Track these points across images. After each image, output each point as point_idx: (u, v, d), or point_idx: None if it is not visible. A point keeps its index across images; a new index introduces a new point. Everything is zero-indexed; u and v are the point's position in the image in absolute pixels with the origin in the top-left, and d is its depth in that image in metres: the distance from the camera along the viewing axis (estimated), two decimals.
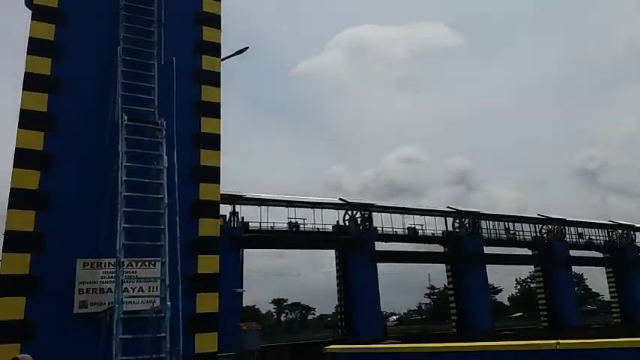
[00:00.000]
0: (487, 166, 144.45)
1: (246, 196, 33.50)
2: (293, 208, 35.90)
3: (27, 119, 6.59)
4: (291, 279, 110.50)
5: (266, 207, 34.83)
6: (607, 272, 48.75)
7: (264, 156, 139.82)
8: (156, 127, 6.50)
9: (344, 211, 37.64)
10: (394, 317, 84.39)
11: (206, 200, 7.30)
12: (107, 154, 6.71)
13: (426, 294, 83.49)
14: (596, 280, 74.22)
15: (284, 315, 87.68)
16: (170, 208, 5.98)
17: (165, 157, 6.28)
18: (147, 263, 6.42)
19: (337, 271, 37.12)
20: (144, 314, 5.86)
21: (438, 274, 55.92)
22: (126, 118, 6.41)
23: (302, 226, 35.75)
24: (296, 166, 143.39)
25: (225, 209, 31.85)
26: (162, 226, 5.92)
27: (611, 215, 74.31)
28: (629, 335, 12.48)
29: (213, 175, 7.48)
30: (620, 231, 48.74)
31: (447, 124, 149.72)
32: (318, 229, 36.29)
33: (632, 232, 49.16)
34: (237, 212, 32.87)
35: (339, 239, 36.44)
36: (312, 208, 36.58)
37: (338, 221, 37.41)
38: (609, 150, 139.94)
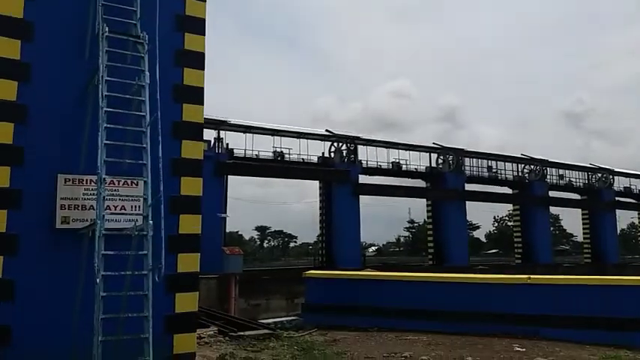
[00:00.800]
0: (476, 105, 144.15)
1: (232, 122, 33.13)
2: (279, 137, 35.75)
3: (1, 27, 6.23)
4: (276, 208, 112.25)
5: (251, 134, 34.58)
6: (582, 214, 50.21)
7: (252, 83, 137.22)
8: (138, 41, 6.21)
9: (330, 143, 37.60)
10: (373, 248, 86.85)
11: (189, 122, 7.12)
12: (88, 68, 6.44)
13: (406, 227, 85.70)
14: (572, 221, 76.68)
15: (267, 242, 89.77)
16: (152, 126, 5.83)
17: (148, 73, 6.04)
18: (129, 182, 6.35)
19: (320, 202, 37.65)
20: (126, 232, 5.86)
21: (418, 208, 57.07)
22: (107, 29, 6.09)
23: (287, 155, 35.76)
24: (284, 95, 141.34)
25: (209, 135, 31.58)
26: (145, 145, 5.80)
27: (592, 159, 75.49)
28: (597, 274, 13.08)
29: (196, 95, 7.26)
30: (599, 174, 49.72)
31: (441, 61, 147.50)
32: (303, 159, 36.37)
33: (611, 176, 50.19)
34: (222, 138, 32.64)
35: (324, 171, 36.65)
36: (297, 138, 36.44)
37: (323, 153, 37.47)
38: (597, 95, 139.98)
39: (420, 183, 43.02)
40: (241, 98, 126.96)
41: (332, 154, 37.20)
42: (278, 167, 35.27)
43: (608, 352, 7.05)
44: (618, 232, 54.06)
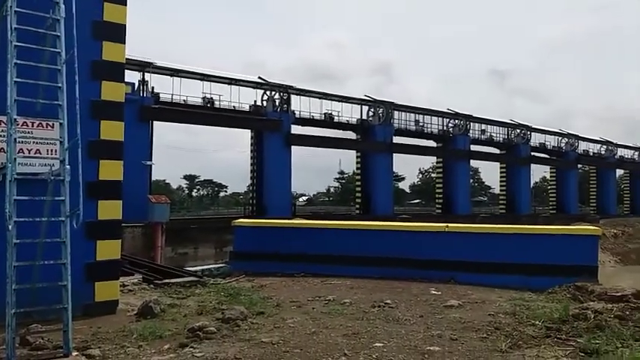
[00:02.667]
0: (410, 60, 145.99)
1: (158, 65, 31.54)
2: (209, 83, 34.54)
3: None
4: (206, 156, 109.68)
5: (179, 78, 33.18)
6: (500, 167, 53.26)
7: (180, 25, 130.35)
8: None
9: (262, 91, 36.91)
10: (304, 198, 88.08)
11: (110, 61, 6.69)
12: None
13: (336, 178, 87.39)
14: (490, 173, 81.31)
15: (195, 191, 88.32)
16: (68, 65, 5.43)
17: (63, 6, 5.56)
18: (44, 124, 5.95)
19: (252, 151, 37.27)
20: (41, 177, 5.54)
21: (349, 159, 57.99)
22: None
23: (217, 102, 34.78)
24: (215, 39, 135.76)
25: (133, 77, 29.97)
26: (60, 85, 5.41)
27: (513, 116, 79.48)
28: (510, 223, 14.07)
29: (118, 33, 6.80)
30: (518, 130, 52.59)
31: (380, 13, 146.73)
32: (234, 107, 35.55)
33: (529, 132, 53.27)
34: (147, 81, 31.07)
35: (256, 119, 36.11)
36: (229, 84, 35.41)
37: (255, 101, 36.80)
38: (522, 55, 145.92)
39: (351, 135, 43.62)
40: (172, 42, 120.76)
41: (264, 103, 36.63)
42: (207, 114, 34.28)
43: (514, 295, 7.69)
44: (531, 185, 58.10)
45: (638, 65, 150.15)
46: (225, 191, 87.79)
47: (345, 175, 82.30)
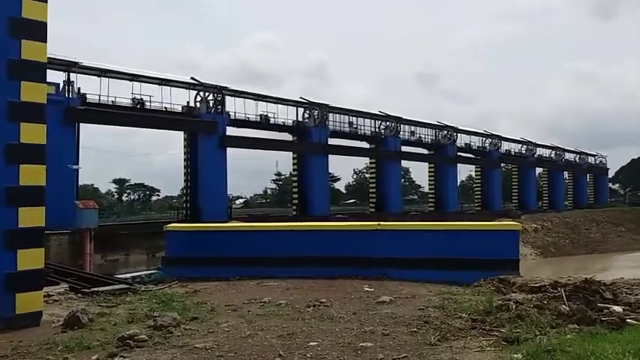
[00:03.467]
0: (344, 62, 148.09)
1: (84, 64, 30.17)
2: (139, 83, 33.46)
3: None
4: (138, 159, 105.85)
5: (107, 79, 31.91)
6: (429, 167, 55.32)
7: (110, 26, 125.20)
8: None
9: (195, 92, 36.21)
10: (241, 200, 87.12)
11: (30, 61, 6.33)
12: None
13: (273, 179, 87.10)
14: (420, 173, 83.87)
15: (126, 195, 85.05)
16: None
17: None
18: None
19: (185, 153, 36.44)
20: None
21: (286, 161, 57.97)
22: None
23: (148, 103, 33.73)
24: (147, 40, 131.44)
25: (57, 77, 28.51)
26: None
27: (441, 117, 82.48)
28: (439, 220, 14.69)
29: (37, 30, 6.44)
30: (445, 132, 54.80)
31: (312, 14, 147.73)
32: (166, 108, 34.62)
33: (455, 133, 55.66)
34: (73, 82, 29.63)
35: (189, 121, 35.35)
36: (160, 85, 34.46)
37: (188, 102, 36.04)
38: (448, 57, 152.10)
39: (287, 136, 43.70)
40: (102, 42, 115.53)
41: (198, 104, 35.93)
42: (138, 116, 33.19)
43: (442, 289, 8.03)
44: (458, 183, 60.75)
45: (555, 69, 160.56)
46: (158, 195, 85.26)
47: (282, 177, 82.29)
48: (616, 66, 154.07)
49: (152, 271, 11.30)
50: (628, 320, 5.70)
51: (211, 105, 36.00)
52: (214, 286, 8.82)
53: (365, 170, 74.34)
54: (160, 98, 34.19)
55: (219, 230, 11.71)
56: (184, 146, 36.40)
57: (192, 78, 36.32)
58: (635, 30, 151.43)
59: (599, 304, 6.39)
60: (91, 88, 31.40)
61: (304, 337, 5.26)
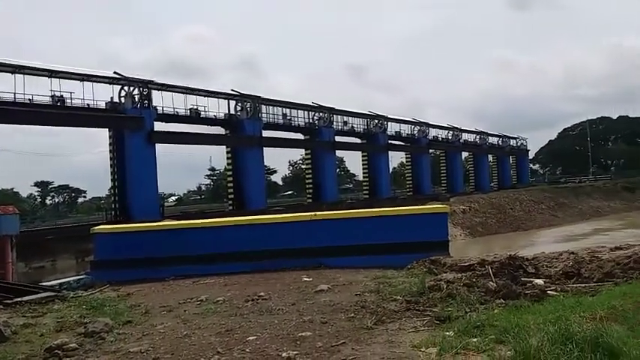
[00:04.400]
0: (275, 54, 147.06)
1: None
2: (57, 80, 31.57)
3: None
4: (60, 160, 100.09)
5: (22, 75, 29.85)
6: (362, 156, 56.33)
7: (24, 19, 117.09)
8: None
9: (119, 87, 34.69)
10: (174, 198, 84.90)
11: None
12: None
13: (207, 175, 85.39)
14: (354, 162, 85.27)
15: (50, 198, 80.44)
16: None
17: None
18: None
19: (111, 151, 34.88)
20: None
21: (219, 155, 56.97)
22: None
23: (69, 100, 31.94)
24: (65, 37, 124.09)
25: None
26: None
27: (372, 107, 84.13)
28: (373, 207, 14.99)
29: None
30: (376, 121, 55.93)
31: (242, 5, 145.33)
32: (88, 105, 32.93)
33: (386, 122, 56.96)
34: None
35: (114, 117, 33.88)
36: (81, 80, 32.70)
37: (112, 98, 34.47)
38: (376, 48, 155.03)
39: (219, 130, 42.89)
40: (22, 39, 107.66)
41: (122, 100, 34.46)
42: (57, 114, 31.34)
43: (378, 273, 8.23)
44: (390, 170, 62.36)
45: (478, 58, 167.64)
46: (84, 197, 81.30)
47: (217, 172, 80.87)
48: (534, 54, 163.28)
49: (81, 277, 10.76)
50: (549, 292, 6.11)
51: (137, 100, 34.65)
52: (148, 288, 8.56)
53: (300, 161, 74.56)
54: (81, 95, 32.49)
55: (151, 230, 11.33)
56: (110, 144, 34.81)
57: (115, 72, 34.75)
58: (549, 19, 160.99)
59: (522, 279, 6.81)
60: (4, 87, 29.30)
61: (243, 332, 5.23)
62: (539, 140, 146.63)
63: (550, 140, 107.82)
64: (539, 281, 6.67)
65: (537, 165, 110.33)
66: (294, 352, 4.38)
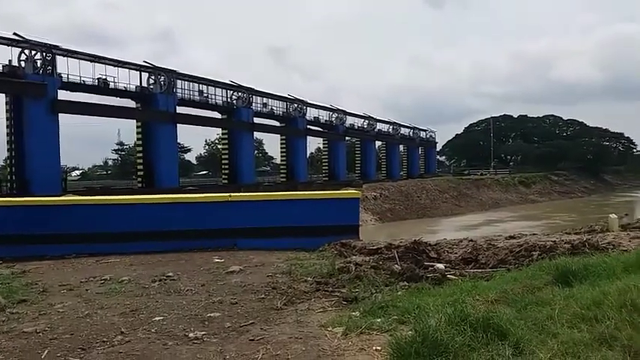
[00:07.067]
0: (193, 30, 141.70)
1: None
2: None
3: None
4: None
5: None
6: (281, 139, 56.32)
7: None
8: None
9: (20, 50, 31.86)
10: (77, 172, 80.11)
11: None
12: None
13: (115, 150, 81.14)
14: (273, 145, 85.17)
15: None
16: None
17: None
18: None
19: (8, 119, 32.09)
20: None
21: (129, 130, 54.26)
22: None
23: None
24: None
25: None
26: None
27: (291, 91, 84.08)
28: (290, 190, 15.09)
29: None
30: (295, 105, 56.05)
31: None
32: None
33: (305, 107, 57.26)
34: None
35: (12, 82, 31.11)
36: None
37: (10, 61, 31.61)
38: (298, 33, 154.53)
39: (129, 103, 40.80)
40: None
41: (23, 64, 31.71)
42: None
43: (290, 255, 8.32)
44: (308, 155, 63.00)
45: (395, 50, 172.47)
46: None
47: (125, 147, 77.07)
48: (446, 51, 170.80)
49: None
50: (449, 276, 6.53)
51: (40, 65, 32.05)
52: (47, 265, 8.04)
53: (217, 141, 73.03)
54: None
55: (50, 204, 10.57)
56: (6, 111, 32.04)
57: (15, 34, 31.85)
58: (462, 18, 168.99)
59: (425, 263, 7.21)
60: None
61: (149, 312, 5.09)
62: (447, 133, 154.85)
63: (457, 134, 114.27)
64: (441, 265, 7.09)
65: (444, 157, 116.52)
66: (202, 333, 4.34)
